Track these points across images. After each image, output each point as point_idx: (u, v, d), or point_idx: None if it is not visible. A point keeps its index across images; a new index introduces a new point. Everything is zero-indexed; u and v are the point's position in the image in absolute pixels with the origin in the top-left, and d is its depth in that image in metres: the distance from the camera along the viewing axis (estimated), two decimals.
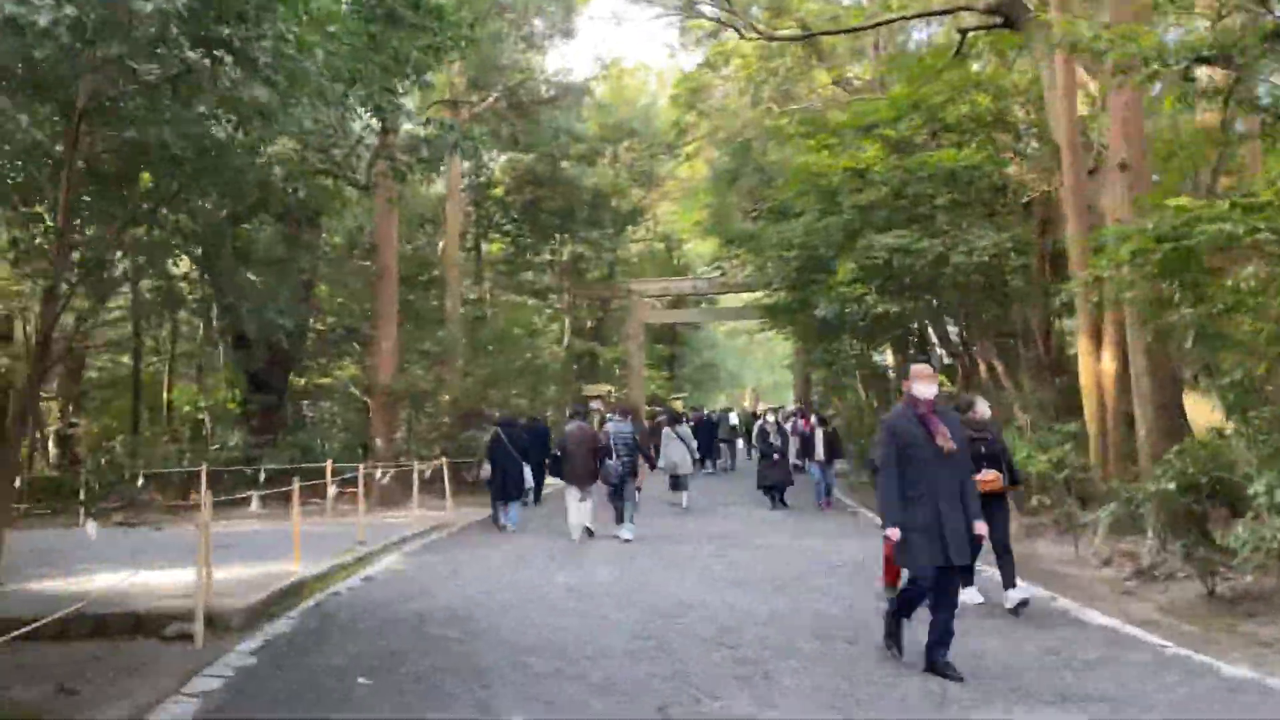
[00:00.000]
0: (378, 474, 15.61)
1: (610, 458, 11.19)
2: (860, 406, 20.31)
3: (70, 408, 22.31)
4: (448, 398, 19.86)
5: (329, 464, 14.96)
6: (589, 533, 11.31)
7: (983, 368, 16.65)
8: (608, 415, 14.22)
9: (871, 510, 11.66)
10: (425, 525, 13.21)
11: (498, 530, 12.68)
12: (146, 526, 14.45)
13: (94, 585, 7.75)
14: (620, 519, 11.27)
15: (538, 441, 14.55)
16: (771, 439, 14.36)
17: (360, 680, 5.32)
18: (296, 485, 9.26)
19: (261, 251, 20.40)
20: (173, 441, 18.06)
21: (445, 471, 15.42)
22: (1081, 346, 11.15)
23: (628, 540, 10.84)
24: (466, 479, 19.38)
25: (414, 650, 6.01)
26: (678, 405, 31.74)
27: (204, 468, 15.01)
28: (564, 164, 26.84)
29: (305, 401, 21.51)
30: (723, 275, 30.87)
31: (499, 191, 28.73)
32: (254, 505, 14.48)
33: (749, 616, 6.82)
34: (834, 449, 14.72)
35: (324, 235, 19.29)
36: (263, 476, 15.48)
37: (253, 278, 16.65)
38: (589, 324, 34.16)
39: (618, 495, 11.33)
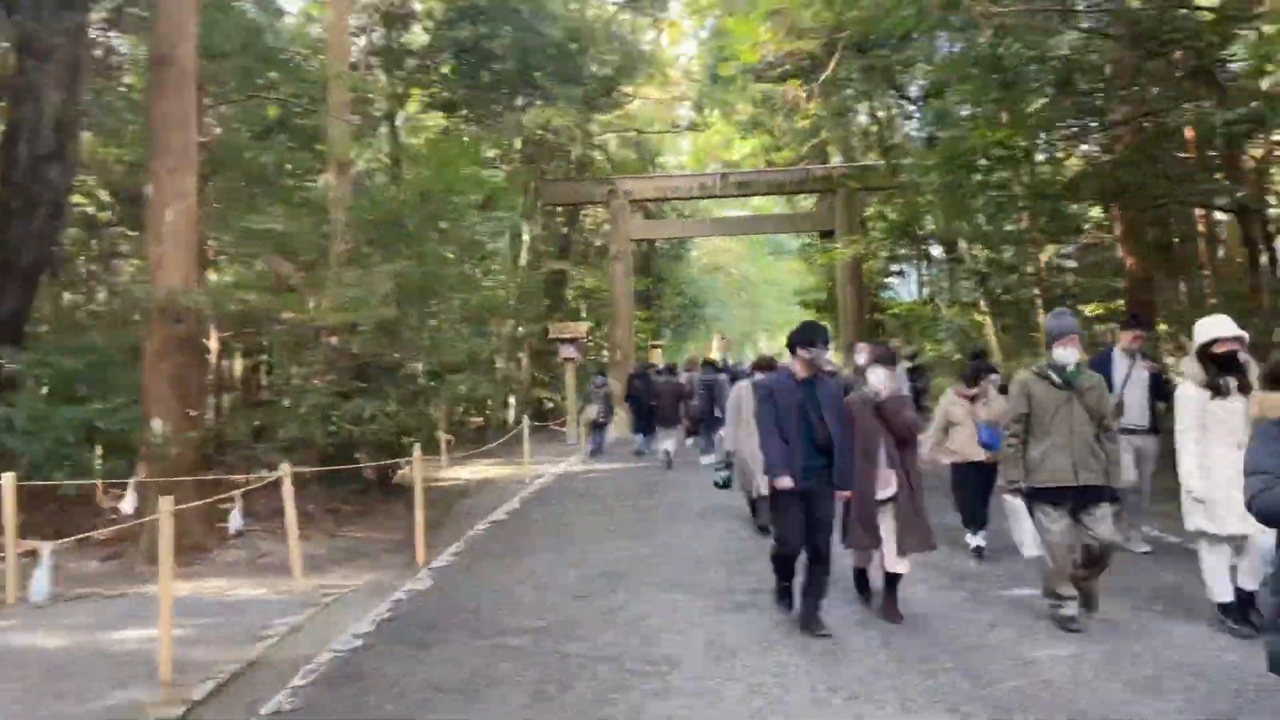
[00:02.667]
0: (125, 503, 6.46)
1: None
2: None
3: None
4: (332, 337, 10.69)
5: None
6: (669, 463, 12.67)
7: None
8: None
9: None
10: (188, 691, 4.17)
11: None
12: None
13: None
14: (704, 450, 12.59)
15: (650, 387, 14.20)
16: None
17: None
18: None
19: None
20: None
21: (292, 491, 6.41)
22: None
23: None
24: (350, 503, 10.26)
25: None
26: (655, 354, 23.15)
27: None
28: None
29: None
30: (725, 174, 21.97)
31: (420, 33, 19.20)
32: None
33: None
34: None
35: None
36: None
37: None
38: (544, 245, 24.94)
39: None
